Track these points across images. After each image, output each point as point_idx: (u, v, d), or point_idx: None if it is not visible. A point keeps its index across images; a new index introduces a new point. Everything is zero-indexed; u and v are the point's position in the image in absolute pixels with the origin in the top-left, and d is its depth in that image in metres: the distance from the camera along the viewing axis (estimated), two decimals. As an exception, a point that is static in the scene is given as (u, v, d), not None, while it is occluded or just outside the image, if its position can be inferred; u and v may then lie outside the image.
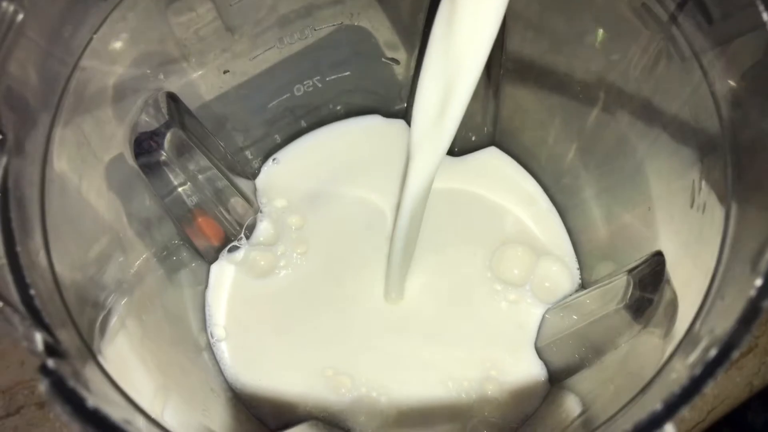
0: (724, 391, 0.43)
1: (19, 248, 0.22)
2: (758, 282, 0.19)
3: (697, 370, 0.18)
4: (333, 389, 0.40)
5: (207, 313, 0.43)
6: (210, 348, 0.42)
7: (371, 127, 0.48)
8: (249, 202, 0.43)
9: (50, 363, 0.18)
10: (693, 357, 0.20)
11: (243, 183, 0.43)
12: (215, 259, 0.43)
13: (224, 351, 0.41)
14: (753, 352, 0.43)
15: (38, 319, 0.20)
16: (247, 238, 0.44)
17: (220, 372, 0.41)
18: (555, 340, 0.38)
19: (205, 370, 0.39)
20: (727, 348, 0.18)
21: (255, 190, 0.45)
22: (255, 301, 0.43)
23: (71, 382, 0.18)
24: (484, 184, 0.46)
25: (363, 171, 0.46)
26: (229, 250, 0.44)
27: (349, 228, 0.45)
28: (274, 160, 0.47)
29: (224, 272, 0.43)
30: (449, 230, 0.44)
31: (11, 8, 0.23)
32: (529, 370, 0.40)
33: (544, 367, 0.40)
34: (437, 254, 0.43)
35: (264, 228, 0.44)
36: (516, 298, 0.42)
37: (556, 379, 0.39)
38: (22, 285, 0.21)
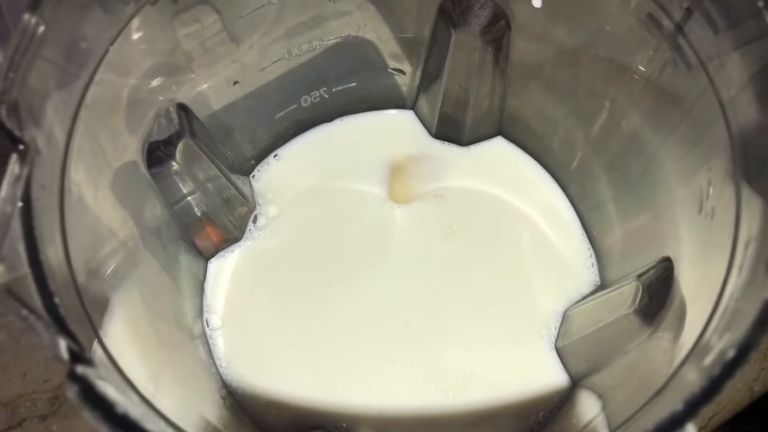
0: (726, 397, 0.44)
1: (42, 257, 0.22)
2: (774, 283, 0.19)
3: (716, 371, 0.18)
4: (341, 393, 0.40)
5: (204, 308, 0.42)
6: (207, 342, 0.41)
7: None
8: (248, 202, 0.43)
9: (79, 369, 0.19)
10: (709, 359, 0.20)
11: (243, 183, 0.43)
12: (214, 255, 0.43)
13: (220, 345, 0.41)
14: (753, 358, 0.44)
15: (63, 327, 0.21)
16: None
17: (218, 372, 0.41)
18: (571, 342, 0.38)
19: (207, 368, 0.39)
20: (745, 348, 0.19)
21: (251, 187, 0.45)
22: (255, 292, 0.42)
23: (100, 388, 0.19)
24: (498, 182, 0.45)
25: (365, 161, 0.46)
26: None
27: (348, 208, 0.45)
28: (275, 156, 0.46)
29: (223, 267, 0.43)
30: (470, 229, 0.44)
31: (33, 21, 0.23)
32: (548, 369, 0.40)
33: (563, 367, 0.40)
34: (459, 252, 0.43)
35: (261, 223, 0.44)
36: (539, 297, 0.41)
37: (575, 380, 0.39)
38: (46, 294, 0.21)
